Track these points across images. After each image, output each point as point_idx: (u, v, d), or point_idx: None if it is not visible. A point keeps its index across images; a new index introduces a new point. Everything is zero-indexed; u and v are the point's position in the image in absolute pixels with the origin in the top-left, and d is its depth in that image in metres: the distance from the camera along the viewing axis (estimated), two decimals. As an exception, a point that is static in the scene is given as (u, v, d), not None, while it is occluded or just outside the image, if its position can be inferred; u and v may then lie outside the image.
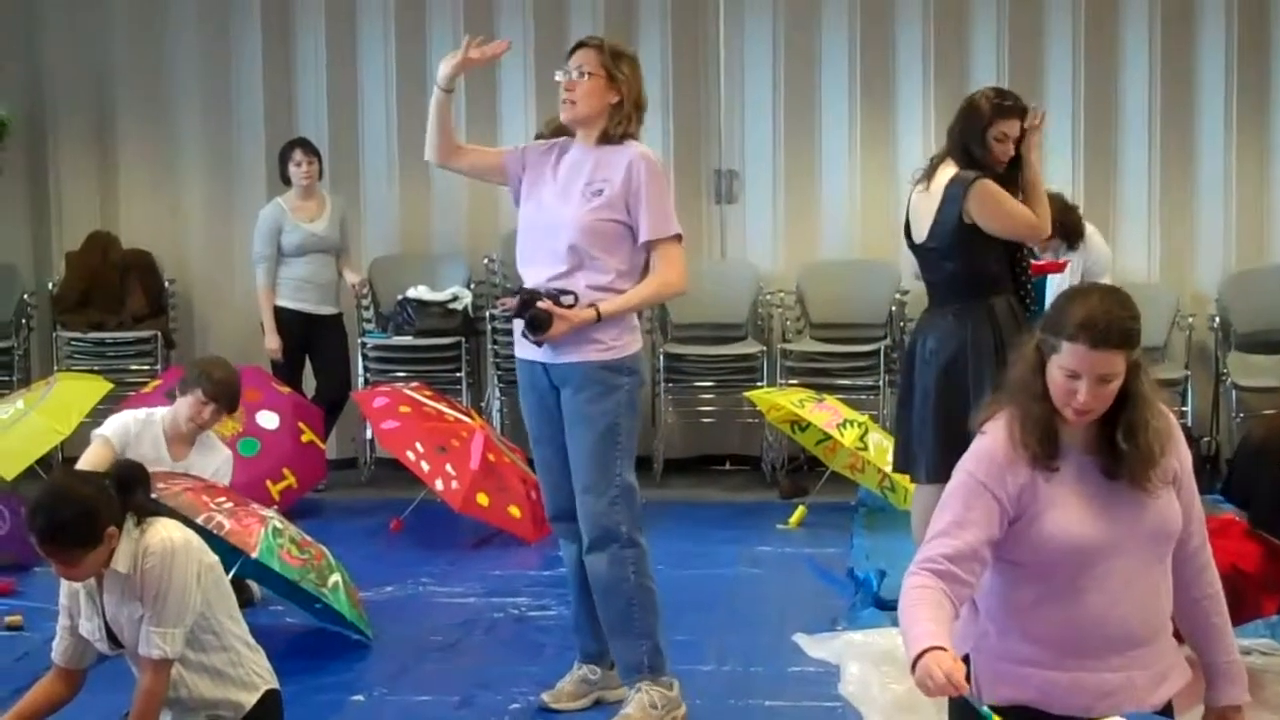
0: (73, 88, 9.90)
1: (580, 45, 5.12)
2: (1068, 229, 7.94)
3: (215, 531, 5.52)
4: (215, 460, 6.42)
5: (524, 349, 5.12)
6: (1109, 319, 3.39)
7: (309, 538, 6.02)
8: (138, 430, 6.31)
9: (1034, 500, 3.47)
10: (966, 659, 3.61)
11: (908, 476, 6.48)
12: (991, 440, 3.53)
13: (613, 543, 5.07)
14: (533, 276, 5.06)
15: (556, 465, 5.17)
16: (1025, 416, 3.48)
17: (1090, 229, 8.16)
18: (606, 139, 5.05)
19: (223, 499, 5.82)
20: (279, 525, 5.84)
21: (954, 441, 4.22)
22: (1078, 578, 3.47)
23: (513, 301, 5.07)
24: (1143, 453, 3.46)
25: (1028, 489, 3.47)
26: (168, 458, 6.26)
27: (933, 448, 5.92)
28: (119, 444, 6.21)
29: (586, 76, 5.02)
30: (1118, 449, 3.46)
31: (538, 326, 4.95)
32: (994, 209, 5.90)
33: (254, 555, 5.63)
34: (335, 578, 5.91)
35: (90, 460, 6.07)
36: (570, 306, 4.95)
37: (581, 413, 5.04)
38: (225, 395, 6.33)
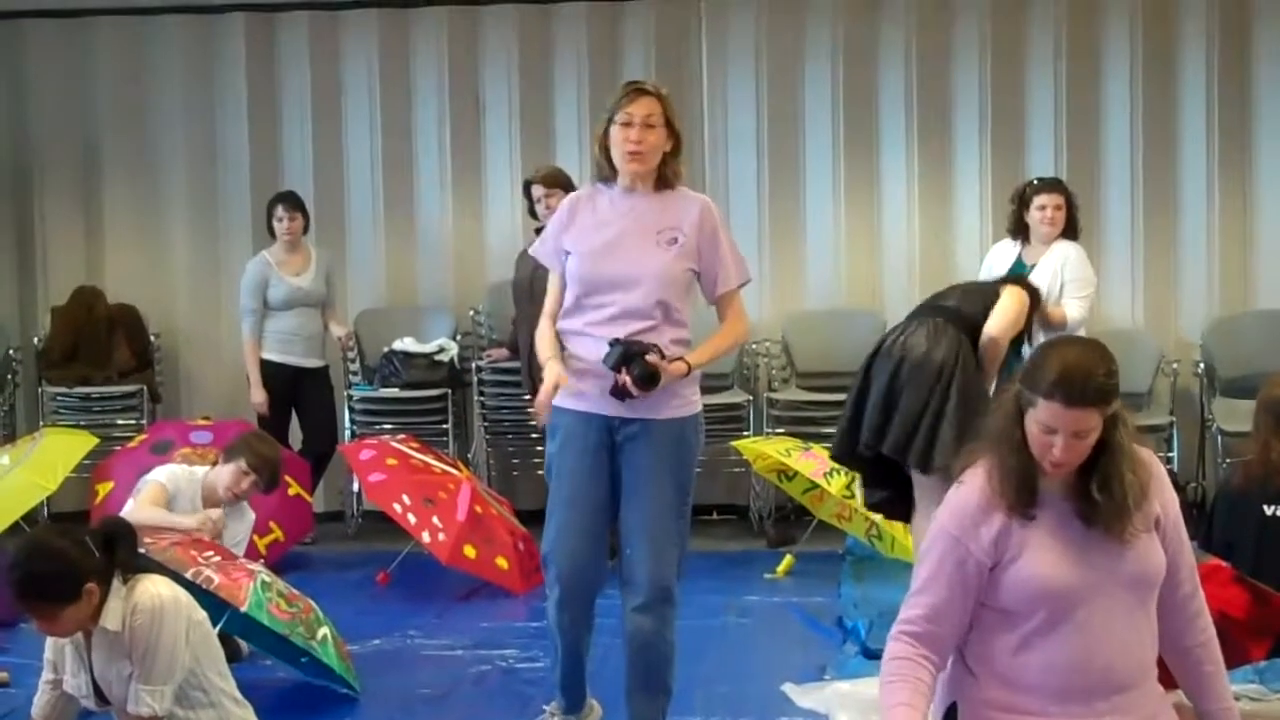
0: (58, 143, 9.93)
1: (641, 93, 4.98)
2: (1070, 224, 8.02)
3: (204, 586, 5.51)
4: (244, 525, 6.63)
5: (583, 401, 4.93)
6: (1085, 377, 3.41)
7: (296, 591, 6.01)
8: (183, 484, 6.50)
9: (1009, 546, 3.49)
10: (953, 708, 3.62)
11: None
12: (968, 490, 3.55)
13: (666, 603, 4.99)
14: (615, 329, 4.86)
15: (589, 529, 5.00)
16: (1003, 467, 3.51)
17: (1075, 246, 8.07)
18: (663, 184, 4.99)
19: (210, 553, 5.84)
20: (267, 579, 5.84)
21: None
22: (1057, 623, 3.48)
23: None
24: (1116, 504, 3.47)
25: (1004, 535, 3.49)
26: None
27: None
28: (171, 489, 6.42)
29: (654, 128, 4.93)
30: (1092, 499, 3.48)
31: (651, 382, 4.76)
32: None
33: (243, 609, 5.62)
34: (324, 631, 5.89)
35: (148, 498, 6.32)
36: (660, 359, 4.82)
37: (655, 471, 4.92)
38: (267, 469, 6.52)
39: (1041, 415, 3.43)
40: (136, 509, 6.28)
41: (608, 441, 4.96)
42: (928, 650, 3.45)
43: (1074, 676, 3.49)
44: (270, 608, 5.69)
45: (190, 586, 4.89)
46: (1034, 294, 6.80)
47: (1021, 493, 3.49)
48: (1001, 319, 6.53)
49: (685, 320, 4.98)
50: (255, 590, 5.67)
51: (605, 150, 5.01)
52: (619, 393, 4.82)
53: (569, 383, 4.89)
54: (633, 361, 4.79)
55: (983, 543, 3.49)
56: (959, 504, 3.55)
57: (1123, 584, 3.52)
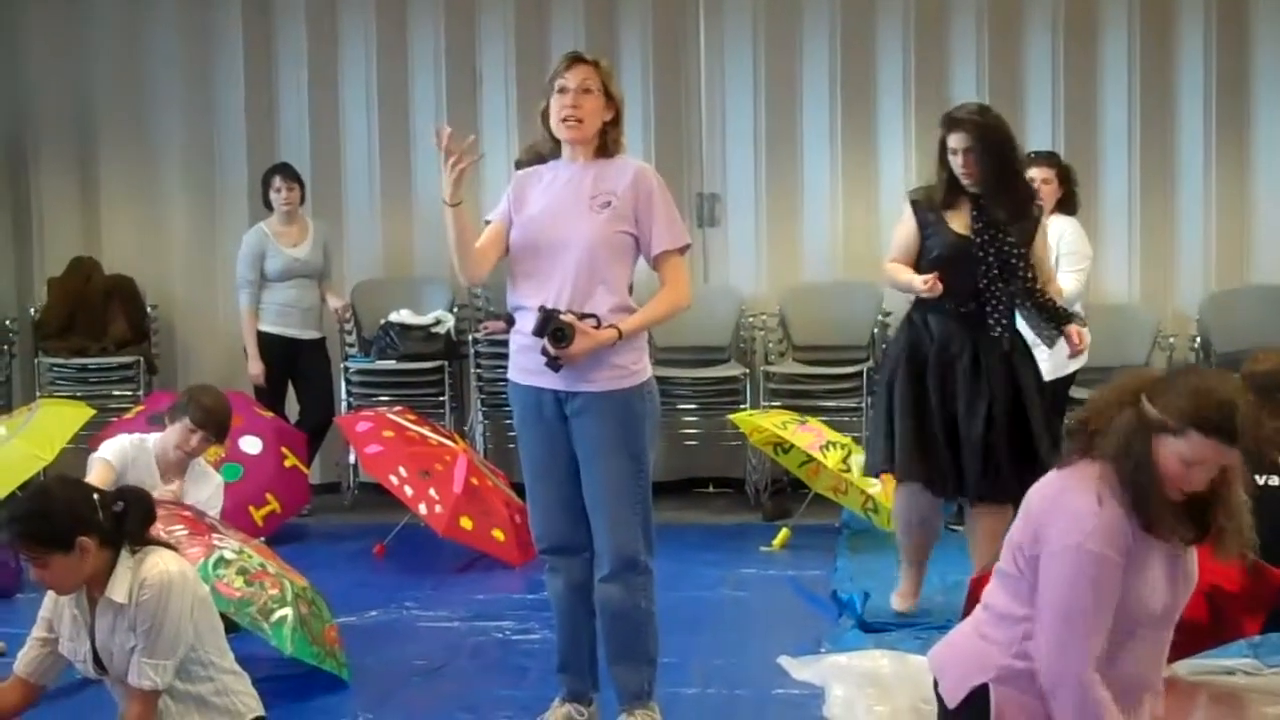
0: (55, 114, 9.92)
1: (578, 60, 4.97)
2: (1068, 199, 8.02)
3: None
4: (207, 488, 6.44)
5: (532, 376, 4.95)
6: (1244, 417, 3.38)
7: (272, 570, 5.79)
8: (134, 454, 6.32)
9: (1133, 559, 3.49)
10: (984, 687, 3.64)
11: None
12: (1109, 511, 3.48)
13: (631, 571, 5.01)
14: (548, 297, 4.86)
15: (559, 497, 5.04)
16: (1147, 494, 3.46)
17: (1071, 220, 8.06)
18: (601, 153, 4.99)
19: (179, 526, 5.69)
20: (229, 555, 5.66)
21: None
22: (1143, 638, 3.57)
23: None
24: (1241, 531, 3.53)
25: (1133, 546, 3.50)
26: (160, 484, 6.25)
27: None
28: (119, 466, 6.24)
29: (590, 93, 4.93)
30: (1216, 525, 3.52)
31: (561, 338, 4.75)
32: None
33: None
34: (284, 612, 5.66)
35: (93, 482, 6.09)
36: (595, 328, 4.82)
37: (606, 443, 4.93)
38: (213, 422, 6.32)
39: (1190, 451, 3.40)
40: None
41: (560, 413, 4.96)
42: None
43: (1130, 684, 3.58)
44: (218, 584, 5.48)
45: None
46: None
47: (1174, 518, 3.48)
48: None
49: (621, 285, 4.94)
50: (204, 566, 5.49)
51: (549, 125, 5.00)
52: (550, 361, 4.82)
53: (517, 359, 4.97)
54: (550, 323, 4.79)
55: (1123, 552, 3.49)
56: (1106, 525, 3.48)
57: (1184, 602, 3.63)
